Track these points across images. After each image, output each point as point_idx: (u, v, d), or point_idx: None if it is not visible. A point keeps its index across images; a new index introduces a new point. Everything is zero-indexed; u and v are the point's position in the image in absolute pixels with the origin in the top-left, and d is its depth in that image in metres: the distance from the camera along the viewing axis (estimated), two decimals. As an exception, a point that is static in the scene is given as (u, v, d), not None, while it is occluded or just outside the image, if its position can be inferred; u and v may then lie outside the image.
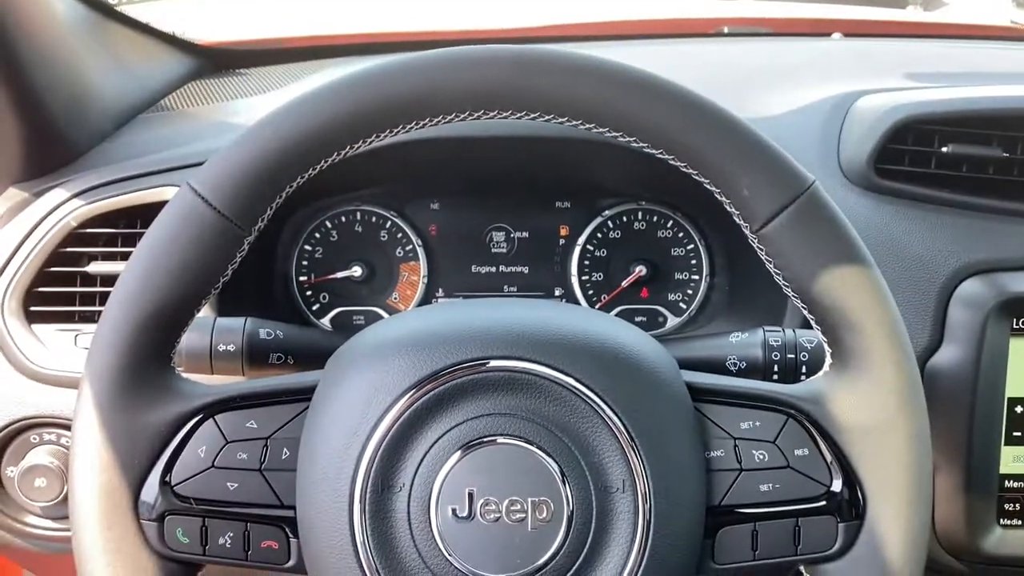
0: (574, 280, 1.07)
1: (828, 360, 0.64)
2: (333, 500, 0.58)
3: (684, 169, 0.60)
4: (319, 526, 0.59)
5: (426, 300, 1.07)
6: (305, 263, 1.06)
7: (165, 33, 1.23)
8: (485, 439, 0.59)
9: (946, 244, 0.91)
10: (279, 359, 0.83)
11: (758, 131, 0.59)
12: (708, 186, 0.61)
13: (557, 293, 1.08)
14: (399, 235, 1.07)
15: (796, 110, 1.02)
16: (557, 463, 0.59)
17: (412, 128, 0.59)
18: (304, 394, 0.63)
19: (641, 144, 0.60)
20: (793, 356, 0.81)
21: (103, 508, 0.59)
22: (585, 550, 0.58)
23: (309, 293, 1.07)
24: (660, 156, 0.60)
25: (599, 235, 1.07)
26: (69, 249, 0.92)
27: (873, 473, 0.61)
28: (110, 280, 0.92)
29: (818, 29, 1.41)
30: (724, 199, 0.60)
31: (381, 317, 1.07)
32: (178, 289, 0.59)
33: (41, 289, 0.92)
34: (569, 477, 0.58)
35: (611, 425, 0.59)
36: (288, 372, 0.81)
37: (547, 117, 0.59)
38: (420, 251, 1.07)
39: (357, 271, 1.05)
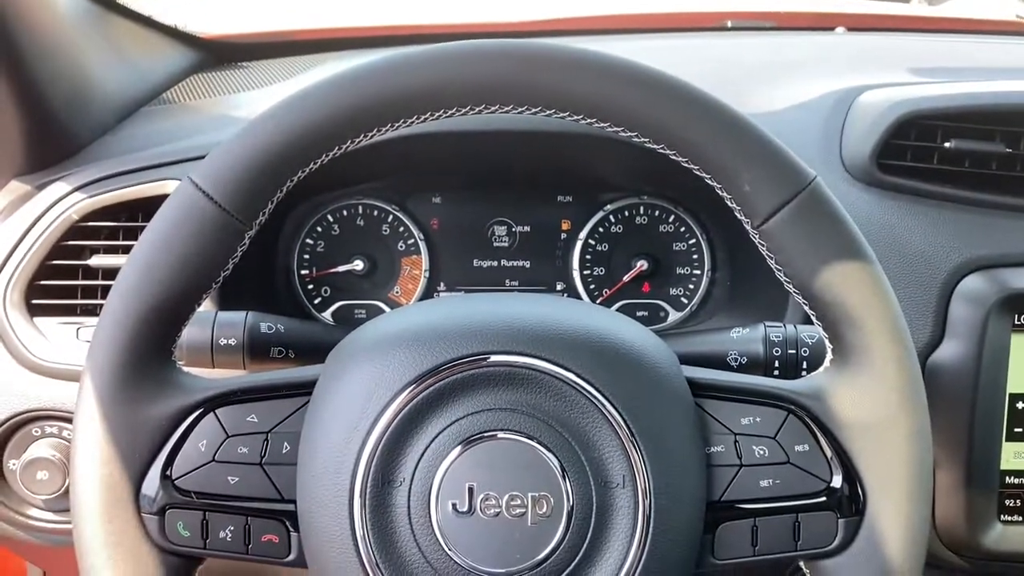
0: (575, 274, 1.07)
1: (829, 356, 0.64)
2: (333, 494, 0.59)
3: (686, 164, 0.60)
4: (319, 520, 0.59)
5: (427, 294, 1.07)
6: (306, 257, 1.06)
7: (167, 26, 1.23)
8: (485, 434, 0.59)
9: (948, 240, 0.91)
10: (280, 353, 0.83)
11: (760, 126, 0.59)
12: (710, 181, 0.60)
13: (558, 287, 1.08)
14: (401, 229, 1.07)
15: (798, 105, 1.01)
16: (557, 458, 0.59)
17: (414, 123, 0.59)
18: (305, 388, 0.63)
19: (643, 139, 0.60)
20: (794, 352, 0.81)
21: (104, 501, 0.59)
22: (585, 545, 0.58)
23: (310, 287, 1.07)
24: (662, 151, 0.60)
25: (601, 229, 1.07)
26: (71, 242, 0.92)
27: (873, 469, 0.61)
28: (112, 273, 0.92)
29: (821, 23, 1.41)
30: (726, 194, 0.60)
31: (382, 311, 1.07)
32: (179, 283, 0.59)
33: (43, 282, 0.92)
34: (569, 472, 0.59)
35: (611, 420, 0.59)
36: (289, 366, 0.81)
37: (549, 112, 0.59)
38: (422, 245, 1.07)
39: (359, 265, 1.05)
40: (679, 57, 1.19)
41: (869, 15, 1.46)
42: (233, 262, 0.61)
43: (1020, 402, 0.89)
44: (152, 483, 0.60)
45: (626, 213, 1.07)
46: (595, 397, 0.59)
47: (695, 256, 1.07)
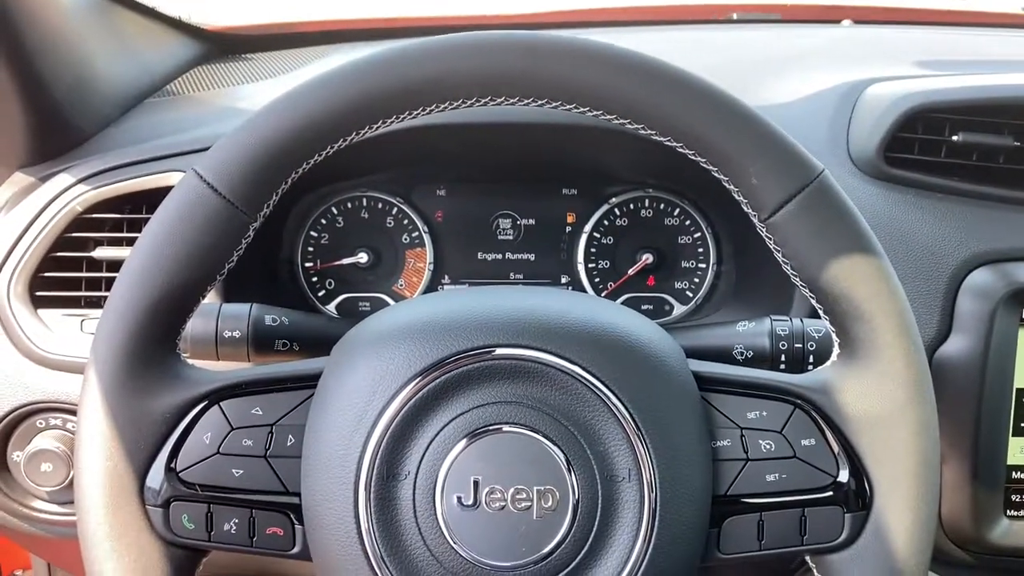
0: (580, 268, 1.07)
1: (836, 350, 0.64)
2: (338, 487, 0.58)
3: (692, 157, 0.60)
4: (324, 513, 0.59)
5: (432, 287, 1.07)
6: (311, 249, 1.06)
7: (171, 17, 1.22)
8: (491, 427, 0.59)
9: (955, 233, 0.91)
10: (284, 345, 0.83)
11: (767, 119, 0.59)
12: (716, 174, 0.60)
13: (563, 280, 1.08)
14: (405, 221, 1.06)
15: (805, 98, 1.01)
16: (563, 452, 0.58)
17: (419, 114, 0.59)
18: (309, 381, 0.63)
19: (649, 132, 0.59)
20: (800, 345, 0.81)
21: (109, 493, 0.59)
22: (590, 539, 0.58)
23: (315, 279, 1.07)
24: (668, 144, 0.60)
25: (606, 222, 1.07)
26: (75, 234, 0.92)
27: (880, 464, 0.61)
28: (116, 265, 0.92)
29: (828, 16, 1.40)
30: (732, 187, 0.60)
31: (387, 303, 1.07)
32: (183, 275, 0.59)
33: (47, 274, 0.92)
34: (575, 466, 0.58)
35: (617, 414, 0.59)
36: (294, 359, 0.81)
37: (555, 104, 0.59)
38: (426, 237, 1.06)
39: (363, 257, 1.05)
40: (685, 49, 1.19)
41: (876, 7, 1.46)
42: (238, 254, 0.60)
43: (1027, 397, 0.88)
44: (157, 475, 0.60)
45: (631, 206, 1.07)
46: (601, 391, 0.59)
47: (700, 249, 1.07)
